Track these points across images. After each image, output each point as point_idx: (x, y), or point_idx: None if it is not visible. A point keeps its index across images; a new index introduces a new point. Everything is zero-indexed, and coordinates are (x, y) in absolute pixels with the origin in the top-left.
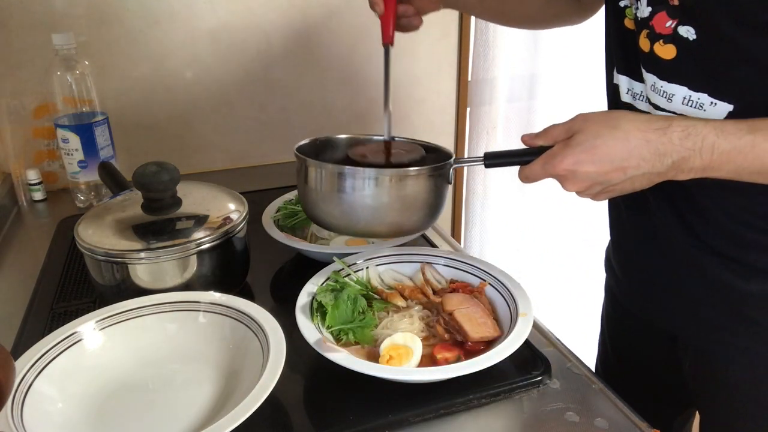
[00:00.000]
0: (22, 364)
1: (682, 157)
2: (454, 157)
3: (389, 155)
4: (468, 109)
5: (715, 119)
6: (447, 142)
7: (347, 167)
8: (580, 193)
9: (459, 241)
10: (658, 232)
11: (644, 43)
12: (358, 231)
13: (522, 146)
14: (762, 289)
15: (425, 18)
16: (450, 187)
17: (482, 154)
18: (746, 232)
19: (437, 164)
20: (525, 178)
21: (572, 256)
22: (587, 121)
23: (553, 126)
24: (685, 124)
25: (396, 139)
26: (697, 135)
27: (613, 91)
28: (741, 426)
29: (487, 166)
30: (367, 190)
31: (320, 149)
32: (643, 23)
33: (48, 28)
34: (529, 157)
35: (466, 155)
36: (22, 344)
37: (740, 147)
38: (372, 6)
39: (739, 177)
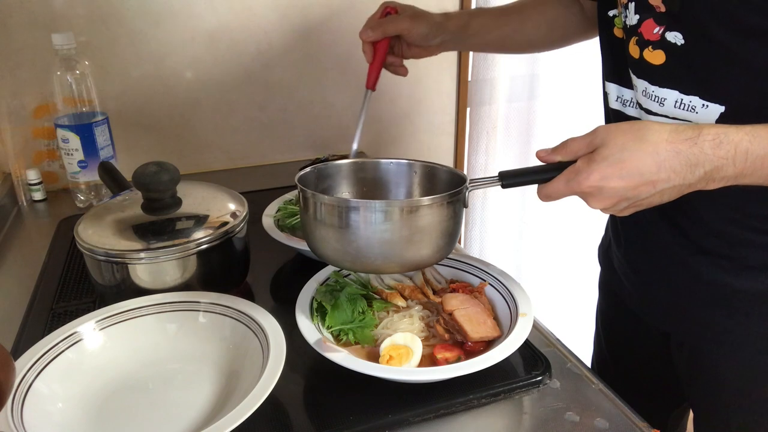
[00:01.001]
0: (22, 364)
1: (715, 167)
2: (469, 180)
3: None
4: (468, 109)
5: (747, 125)
6: (447, 143)
7: (353, 200)
8: (605, 210)
9: (459, 241)
10: (648, 233)
11: (634, 50)
12: (373, 268)
13: (538, 162)
14: (753, 285)
15: None
16: None
17: (497, 174)
18: (735, 230)
19: (452, 191)
20: (546, 197)
21: (572, 257)
22: (611, 133)
23: (572, 139)
24: (715, 132)
25: (402, 162)
26: (730, 143)
27: (604, 97)
28: (734, 421)
29: (504, 186)
30: (377, 224)
31: (322, 176)
32: (631, 30)
33: (48, 28)
34: (548, 174)
35: (466, 155)
36: (22, 344)
37: None
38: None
39: None
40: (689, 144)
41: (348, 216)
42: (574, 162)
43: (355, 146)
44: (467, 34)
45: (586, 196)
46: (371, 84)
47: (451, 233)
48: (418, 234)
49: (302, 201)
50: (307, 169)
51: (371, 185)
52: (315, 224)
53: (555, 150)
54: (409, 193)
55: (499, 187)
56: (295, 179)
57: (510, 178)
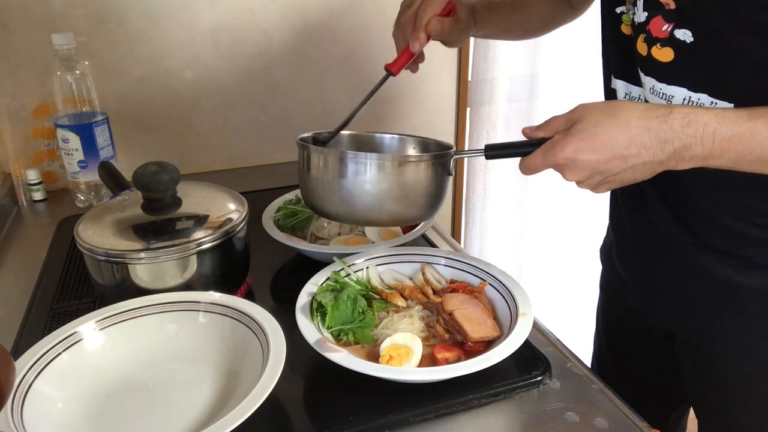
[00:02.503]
0: (22, 364)
1: (683, 145)
2: (454, 149)
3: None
4: (468, 109)
5: (717, 108)
6: (447, 142)
7: (348, 152)
8: (580, 184)
9: (459, 241)
10: (655, 231)
11: (642, 47)
12: (358, 218)
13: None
14: (760, 283)
15: None
16: (450, 187)
17: (483, 146)
18: (743, 228)
19: (438, 152)
20: (526, 169)
21: (572, 257)
22: (587, 110)
23: (554, 117)
24: (685, 111)
25: (397, 136)
26: (698, 122)
27: (610, 95)
28: (739, 420)
29: (488, 157)
30: (367, 175)
31: (321, 143)
32: (640, 28)
33: (48, 28)
34: (530, 148)
35: None
36: (22, 344)
37: (741, 134)
38: (400, 39)
39: (739, 166)
40: (659, 121)
41: (341, 166)
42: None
43: (349, 118)
44: (481, 34)
45: (561, 168)
46: (398, 69)
47: (433, 195)
48: (403, 189)
49: (304, 157)
50: (308, 134)
51: None
52: (310, 176)
53: (538, 127)
54: None
55: (484, 157)
56: (296, 139)
57: (494, 150)
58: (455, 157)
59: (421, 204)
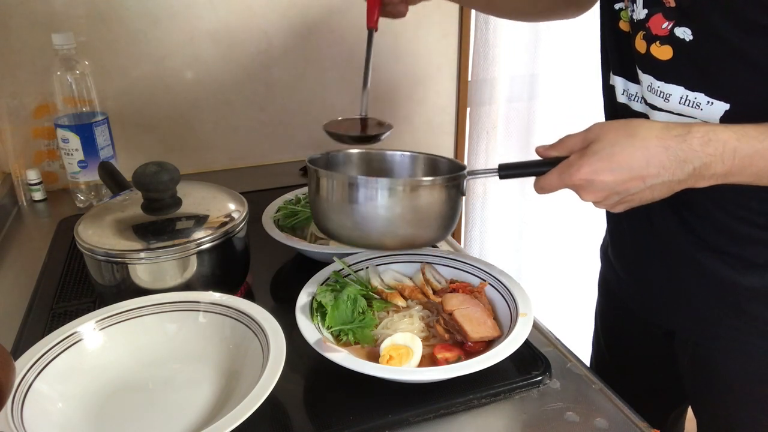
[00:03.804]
0: (22, 364)
1: (703, 164)
2: (467, 169)
3: (364, 129)
4: (468, 109)
5: (735, 124)
6: (447, 142)
7: (359, 177)
8: (597, 204)
9: (459, 241)
10: (655, 230)
11: (640, 45)
12: (372, 243)
13: (537, 157)
14: (760, 283)
15: (426, 18)
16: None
17: (497, 166)
18: (743, 227)
19: (451, 174)
20: (541, 189)
21: (572, 257)
22: (604, 129)
23: (569, 136)
24: (705, 129)
25: (408, 154)
26: (718, 141)
27: (608, 92)
28: (739, 419)
29: (501, 177)
30: (379, 200)
31: (332, 162)
32: (639, 25)
33: (48, 28)
34: (544, 168)
35: (466, 155)
36: (22, 344)
37: (762, 150)
38: None
39: (760, 181)
40: (678, 140)
41: (353, 191)
42: (569, 157)
43: (365, 101)
44: None
45: (577, 189)
46: (373, 22)
47: (447, 217)
48: (416, 213)
49: (314, 181)
50: (318, 154)
51: (376, 174)
52: (321, 200)
53: (552, 146)
54: None
55: (497, 177)
56: (306, 160)
57: (508, 170)
58: (469, 178)
59: (434, 226)
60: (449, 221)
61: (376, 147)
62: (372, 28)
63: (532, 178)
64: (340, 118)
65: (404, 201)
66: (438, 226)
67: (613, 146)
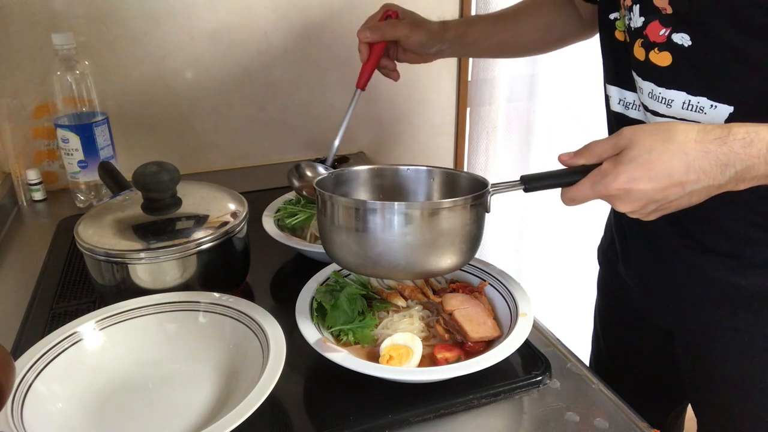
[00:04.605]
0: (22, 364)
1: (746, 166)
2: (491, 184)
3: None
4: (468, 109)
5: None
6: (447, 142)
7: (372, 202)
8: (632, 213)
9: None
10: (654, 232)
11: (639, 52)
12: (391, 274)
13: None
14: (758, 283)
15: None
16: None
17: (519, 178)
18: (741, 228)
19: (475, 193)
20: (571, 200)
21: (572, 257)
22: (637, 134)
23: (596, 142)
24: (746, 130)
25: (423, 168)
26: (761, 141)
27: (606, 101)
28: (739, 419)
29: (526, 190)
30: (398, 228)
31: (340, 181)
32: (636, 33)
33: (48, 28)
34: (572, 178)
35: (466, 155)
36: (22, 344)
37: None
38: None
39: None
40: (719, 143)
41: (367, 218)
42: (597, 165)
43: (336, 143)
44: (465, 43)
45: (612, 199)
46: (362, 84)
47: (474, 238)
48: (440, 238)
49: (320, 204)
50: (325, 174)
51: (389, 192)
52: (333, 228)
53: (578, 153)
54: (429, 200)
55: (522, 191)
56: (313, 183)
57: (533, 182)
58: (492, 193)
59: (461, 251)
60: (474, 243)
61: (388, 162)
62: (359, 89)
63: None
64: (387, 166)
65: (425, 226)
66: (465, 250)
67: (650, 153)
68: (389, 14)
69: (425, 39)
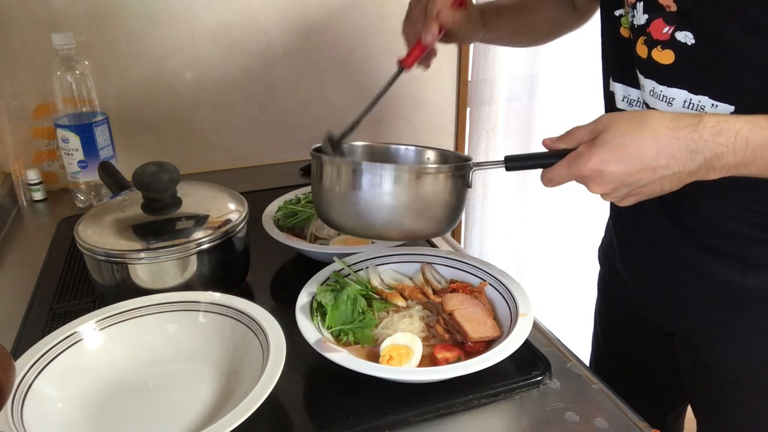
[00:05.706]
0: (22, 364)
1: (714, 154)
2: (473, 161)
3: None
4: (468, 109)
5: (748, 115)
6: (447, 142)
7: (365, 163)
8: (605, 196)
9: (459, 241)
10: (654, 231)
11: (642, 50)
12: (375, 233)
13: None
14: (759, 283)
15: None
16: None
17: (503, 157)
18: (741, 228)
19: (458, 164)
20: (548, 181)
21: (572, 257)
22: (613, 120)
23: (576, 128)
24: (716, 119)
25: (413, 147)
26: (730, 130)
27: (609, 98)
28: (739, 419)
29: (508, 169)
30: (385, 187)
31: (336, 142)
32: (640, 30)
33: (48, 28)
34: (552, 160)
35: (466, 155)
36: (22, 344)
37: None
38: (411, 34)
39: None
40: (689, 130)
41: (358, 177)
42: (577, 148)
43: (361, 116)
44: (491, 33)
45: (586, 181)
46: (411, 63)
47: (452, 208)
48: (422, 201)
49: (316, 167)
50: (320, 144)
51: None
52: (324, 188)
53: (560, 138)
54: None
55: (504, 169)
56: (309, 150)
57: (514, 162)
58: (475, 169)
59: (439, 217)
60: (454, 213)
61: (381, 141)
62: (404, 65)
63: (537, 179)
64: (380, 144)
65: (410, 188)
66: (443, 218)
67: (623, 137)
68: (461, 1)
69: (478, 31)
